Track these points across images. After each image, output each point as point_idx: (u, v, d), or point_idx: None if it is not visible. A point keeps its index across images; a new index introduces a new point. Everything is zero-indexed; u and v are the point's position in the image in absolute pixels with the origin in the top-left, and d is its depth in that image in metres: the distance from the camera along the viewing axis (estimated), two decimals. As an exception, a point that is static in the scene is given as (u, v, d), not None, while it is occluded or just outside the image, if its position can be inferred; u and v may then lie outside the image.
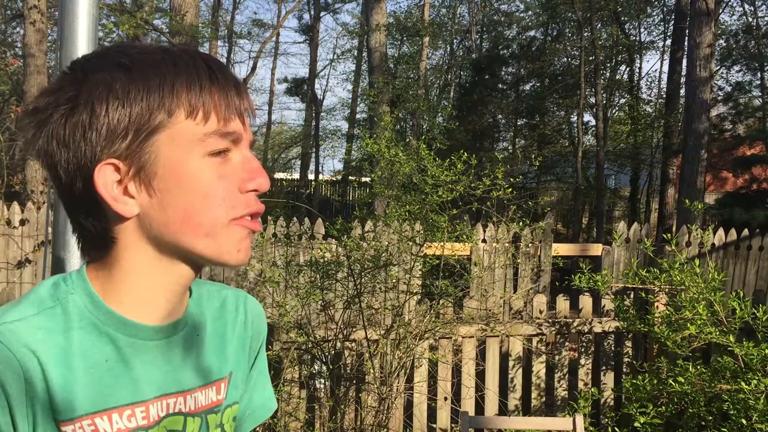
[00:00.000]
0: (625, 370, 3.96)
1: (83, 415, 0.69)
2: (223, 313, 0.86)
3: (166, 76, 0.70)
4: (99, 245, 0.74)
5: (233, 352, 0.86)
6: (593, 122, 16.35)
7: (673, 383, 3.17)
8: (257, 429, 3.14)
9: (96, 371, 0.71)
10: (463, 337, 3.73)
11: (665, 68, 19.08)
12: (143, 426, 0.74)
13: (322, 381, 3.51)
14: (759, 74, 15.94)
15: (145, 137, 0.69)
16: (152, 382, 0.75)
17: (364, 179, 17.51)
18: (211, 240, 0.72)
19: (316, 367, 3.50)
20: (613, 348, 3.99)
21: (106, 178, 0.69)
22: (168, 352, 0.77)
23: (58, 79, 0.72)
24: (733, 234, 6.34)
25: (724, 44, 16.83)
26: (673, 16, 16.00)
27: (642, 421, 3.28)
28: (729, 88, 16.52)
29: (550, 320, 3.87)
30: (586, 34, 14.07)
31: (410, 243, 3.73)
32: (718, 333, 3.17)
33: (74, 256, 1.27)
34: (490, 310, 3.86)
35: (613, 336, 3.99)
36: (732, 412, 3.04)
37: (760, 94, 16.20)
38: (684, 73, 12.50)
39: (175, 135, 0.70)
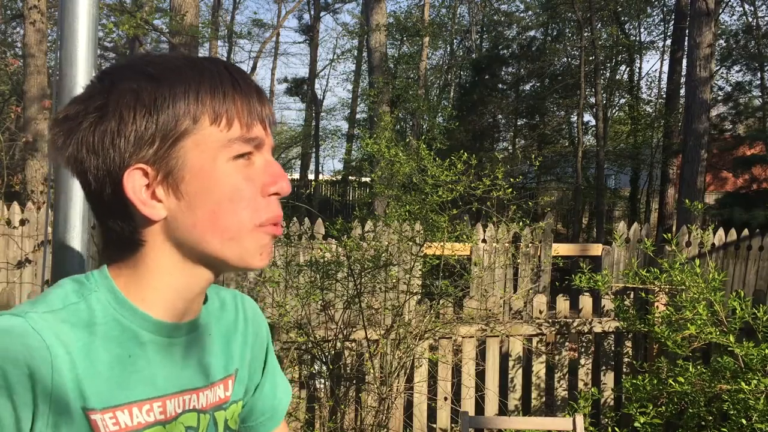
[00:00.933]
0: (625, 370, 3.96)
1: (105, 408, 0.71)
2: (224, 313, 0.89)
3: (191, 84, 0.72)
4: (126, 247, 0.76)
5: (237, 349, 0.89)
6: (593, 122, 16.37)
7: (673, 383, 3.17)
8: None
9: (117, 366, 0.73)
10: (463, 337, 3.73)
11: (665, 68, 19.11)
12: (161, 421, 0.76)
13: (322, 381, 3.51)
14: (759, 74, 15.93)
15: (172, 143, 0.72)
16: (170, 378, 0.77)
17: (364, 179, 17.52)
18: (236, 244, 0.75)
19: (316, 367, 3.50)
20: (613, 348, 3.99)
21: (134, 183, 0.72)
22: (184, 349, 0.80)
23: (87, 88, 0.75)
24: (733, 234, 6.34)
25: (724, 44, 16.83)
26: (673, 16, 16.00)
27: (642, 421, 3.28)
28: (729, 88, 16.53)
29: (550, 320, 3.87)
30: (586, 34, 14.07)
31: (410, 243, 3.73)
32: (718, 333, 3.17)
33: (74, 256, 1.27)
34: (490, 310, 3.86)
35: (613, 336, 3.99)
36: (732, 412, 3.04)
37: (760, 94, 16.20)
38: (684, 73, 12.50)
39: (201, 141, 0.72)
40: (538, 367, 3.90)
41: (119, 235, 0.75)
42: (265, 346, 0.96)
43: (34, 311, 0.70)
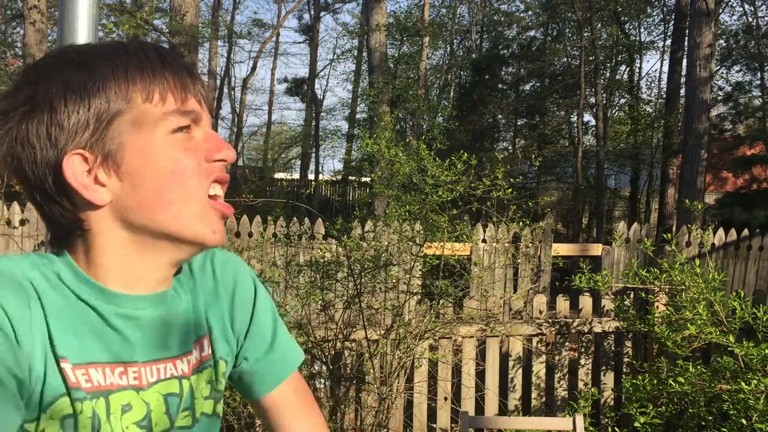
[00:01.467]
0: (625, 370, 3.96)
1: (77, 364, 0.71)
2: (194, 276, 0.87)
3: (119, 65, 0.72)
4: (75, 235, 0.75)
5: (211, 309, 0.87)
6: (593, 122, 16.37)
7: (673, 383, 3.17)
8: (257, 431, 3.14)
9: (84, 329, 0.72)
10: (463, 337, 3.73)
11: (665, 68, 19.10)
12: (135, 386, 0.75)
13: (322, 381, 3.51)
14: (759, 74, 15.93)
15: (106, 125, 0.71)
16: (141, 347, 0.76)
17: (364, 179, 17.51)
18: (185, 217, 0.74)
19: (316, 367, 3.50)
20: (613, 348, 3.99)
21: (74, 169, 0.71)
22: (153, 320, 0.78)
23: (14, 84, 0.74)
24: (733, 234, 6.34)
25: (724, 44, 16.83)
26: (673, 16, 16.00)
27: (642, 421, 3.28)
28: (729, 88, 16.52)
29: (550, 320, 3.87)
30: (586, 34, 14.07)
31: (410, 243, 3.73)
32: (718, 333, 3.17)
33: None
34: (490, 310, 3.86)
35: (613, 336, 3.99)
36: (732, 412, 3.04)
37: (760, 94, 16.19)
38: (684, 73, 12.50)
39: (136, 118, 0.72)
40: (538, 367, 3.90)
41: (66, 225, 0.74)
42: (249, 297, 0.92)
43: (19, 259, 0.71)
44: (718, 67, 15.84)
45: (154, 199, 0.73)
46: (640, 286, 3.72)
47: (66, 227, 0.75)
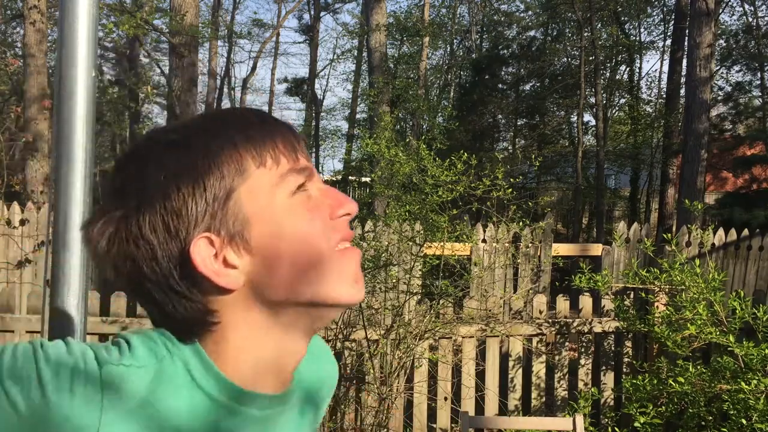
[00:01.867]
0: (625, 370, 3.96)
1: None
2: (307, 373, 0.82)
3: (225, 137, 0.68)
4: (202, 328, 0.68)
5: (313, 413, 0.84)
6: (593, 122, 16.38)
7: (673, 383, 3.17)
8: None
9: None
10: (463, 337, 3.73)
11: (665, 68, 19.10)
12: None
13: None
14: (759, 74, 15.94)
15: (225, 201, 0.66)
16: None
17: (364, 179, 17.52)
18: (329, 282, 0.69)
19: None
20: (613, 348, 3.99)
21: (202, 254, 0.65)
22: (276, 420, 0.74)
23: (118, 178, 0.69)
24: (733, 234, 6.34)
25: (724, 44, 16.84)
26: (673, 16, 16.01)
27: (642, 421, 3.28)
28: (729, 88, 16.54)
29: (550, 320, 3.87)
30: (586, 34, 14.08)
31: (410, 243, 3.73)
32: (718, 333, 3.17)
33: (74, 256, 1.27)
34: (490, 310, 3.86)
35: (613, 336, 3.99)
36: (732, 412, 3.04)
37: (760, 94, 16.20)
38: (684, 73, 12.50)
39: (253, 187, 0.67)
40: (538, 367, 3.90)
41: (194, 318, 0.67)
42: (332, 393, 0.89)
43: (119, 362, 0.63)
44: (718, 67, 15.85)
45: (290, 270, 0.67)
46: (640, 286, 3.72)
47: (193, 321, 0.68)
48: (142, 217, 0.65)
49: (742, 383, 2.95)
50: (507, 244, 6.00)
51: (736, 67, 16.87)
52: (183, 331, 0.68)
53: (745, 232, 6.42)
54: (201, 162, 0.66)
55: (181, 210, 0.65)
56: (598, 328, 3.91)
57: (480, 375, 3.77)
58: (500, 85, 17.36)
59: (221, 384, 0.68)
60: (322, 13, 22.00)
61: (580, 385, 3.92)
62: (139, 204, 0.66)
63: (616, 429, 3.74)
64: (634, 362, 3.87)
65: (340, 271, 0.70)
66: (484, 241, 5.90)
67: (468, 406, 3.68)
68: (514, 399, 3.86)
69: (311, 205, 0.70)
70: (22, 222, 5.01)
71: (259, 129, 0.69)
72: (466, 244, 4.66)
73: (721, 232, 6.32)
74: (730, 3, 16.96)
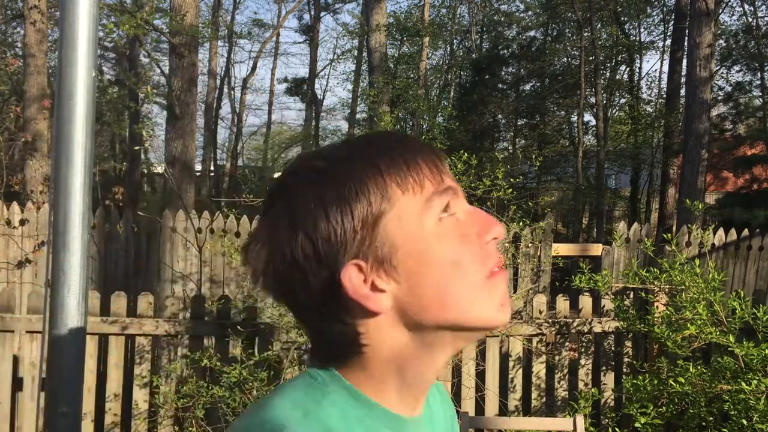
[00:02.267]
0: (625, 370, 3.95)
1: None
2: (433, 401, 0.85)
3: (366, 163, 0.69)
4: (351, 349, 0.71)
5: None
6: (593, 122, 16.37)
7: (673, 383, 3.17)
8: None
9: None
10: (464, 337, 3.73)
11: (665, 68, 19.09)
12: None
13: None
14: (759, 74, 15.94)
15: (372, 228, 0.68)
16: None
17: (364, 179, 17.51)
18: (473, 307, 0.70)
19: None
20: (613, 348, 3.99)
21: (353, 281, 0.67)
22: None
23: (270, 212, 0.71)
24: (733, 234, 6.33)
25: (724, 44, 16.83)
26: (673, 16, 16.00)
27: (642, 422, 3.28)
28: (729, 88, 16.54)
29: (550, 320, 3.87)
30: (586, 34, 14.07)
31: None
32: (718, 333, 3.17)
33: (74, 256, 1.27)
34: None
35: (613, 336, 3.99)
36: (732, 413, 3.04)
37: (760, 94, 16.21)
38: (684, 73, 12.51)
39: (401, 213, 0.68)
40: (538, 368, 3.90)
41: (346, 342, 0.70)
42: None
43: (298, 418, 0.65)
44: (718, 67, 15.84)
45: (439, 296, 0.68)
46: (640, 286, 3.72)
47: (346, 344, 0.70)
48: (295, 242, 0.68)
49: (743, 383, 2.95)
50: (507, 244, 6.00)
51: (736, 67, 16.87)
52: (337, 353, 0.71)
53: (745, 232, 6.42)
54: (348, 189, 0.67)
55: (330, 237, 0.67)
56: (598, 328, 3.91)
57: (480, 375, 3.77)
58: (500, 85, 17.36)
59: (373, 411, 0.70)
60: (322, 14, 22.02)
61: (581, 385, 3.92)
62: (290, 231, 0.68)
63: (617, 429, 3.73)
64: (635, 362, 3.87)
65: (490, 296, 0.71)
66: (484, 241, 5.89)
67: (468, 406, 3.68)
68: (514, 399, 3.86)
69: (461, 231, 0.70)
70: (22, 222, 5.01)
71: (403, 153, 0.70)
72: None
73: (721, 232, 6.32)
74: (730, 3, 16.96)
